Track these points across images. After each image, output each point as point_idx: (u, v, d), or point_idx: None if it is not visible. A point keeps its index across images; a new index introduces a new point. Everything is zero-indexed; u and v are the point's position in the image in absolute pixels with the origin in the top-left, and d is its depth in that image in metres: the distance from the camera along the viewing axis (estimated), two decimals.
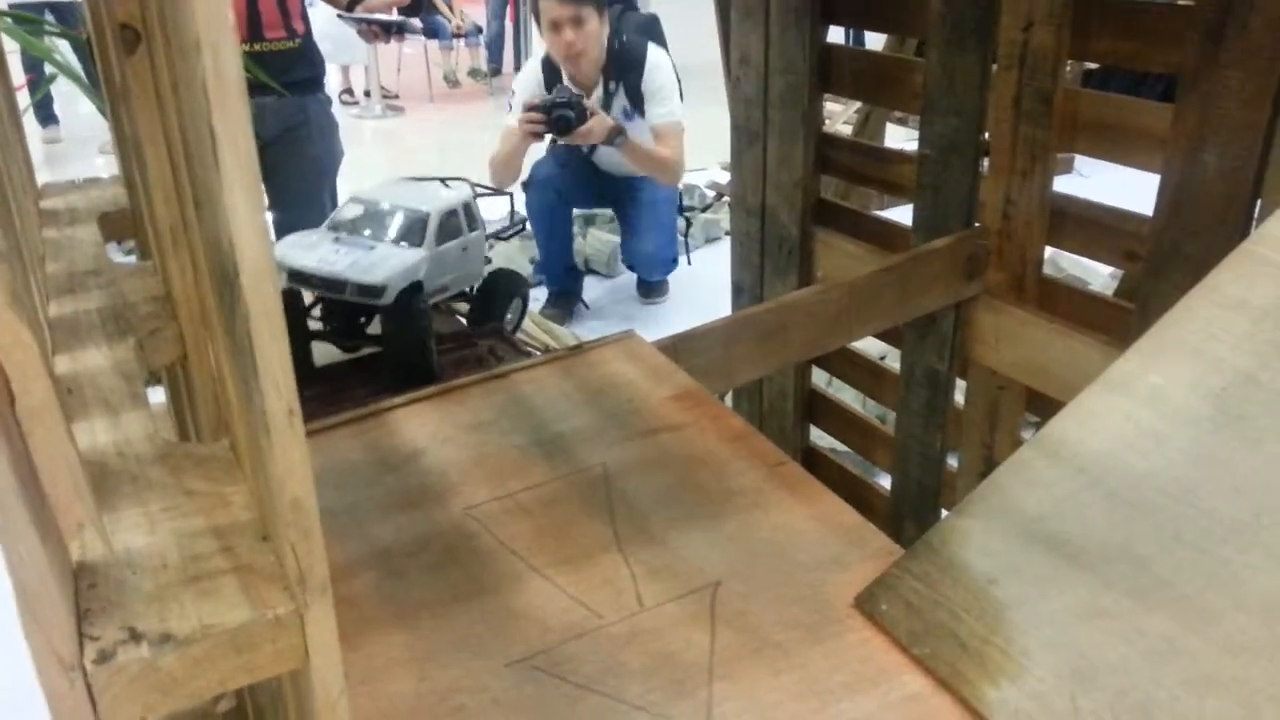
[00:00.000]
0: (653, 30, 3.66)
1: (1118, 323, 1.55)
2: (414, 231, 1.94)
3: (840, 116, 5.02)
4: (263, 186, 0.57)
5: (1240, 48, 1.21)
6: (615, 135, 3.16)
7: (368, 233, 1.94)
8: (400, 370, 1.83)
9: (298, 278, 1.84)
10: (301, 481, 0.61)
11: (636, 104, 3.36)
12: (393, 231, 1.93)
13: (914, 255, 1.59)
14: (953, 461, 1.95)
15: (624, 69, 3.32)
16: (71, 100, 6.66)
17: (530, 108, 3.05)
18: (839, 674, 0.81)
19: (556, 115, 2.99)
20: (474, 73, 8.20)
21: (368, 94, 7.40)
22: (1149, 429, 0.87)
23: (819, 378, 2.36)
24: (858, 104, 4.75)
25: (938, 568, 0.87)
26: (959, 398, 1.89)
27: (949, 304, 1.67)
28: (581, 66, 3.28)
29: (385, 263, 1.82)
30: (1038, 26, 1.56)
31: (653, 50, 3.35)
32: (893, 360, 2.25)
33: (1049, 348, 1.58)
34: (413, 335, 1.82)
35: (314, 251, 1.86)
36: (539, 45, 3.52)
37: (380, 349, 1.93)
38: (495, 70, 8.37)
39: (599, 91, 3.36)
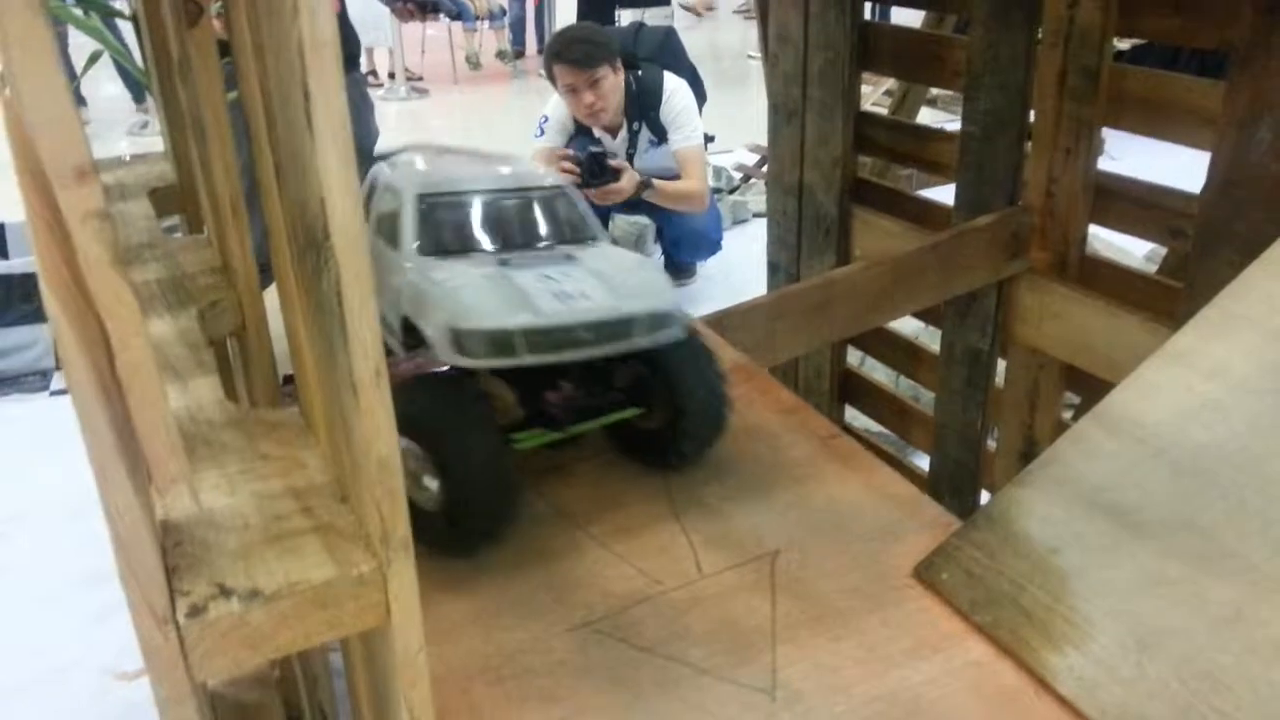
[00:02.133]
0: (669, 45, 3.66)
1: (1162, 301, 1.54)
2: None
3: (868, 99, 4.99)
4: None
5: None
6: (643, 189, 3.20)
7: (543, 244, 1.08)
8: (704, 432, 1.05)
9: (505, 347, 0.91)
10: (388, 441, 0.62)
11: (659, 134, 3.41)
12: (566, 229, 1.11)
13: (958, 233, 1.59)
14: (990, 442, 1.95)
15: (644, 106, 3.37)
16: (97, 83, 6.70)
17: (566, 158, 3.05)
18: (901, 640, 0.82)
19: (588, 173, 2.98)
20: (501, 54, 8.20)
21: (392, 76, 7.41)
22: (1211, 400, 0.87)
23: (853, 357, 2.36)
24: (887, 84, 4.72)
25: (998, 537, 0.87)
26: (998, 378, 1.89)
27: (992, 282, 1.66)
28: (603, 119, 3.32)
29: (645, 280, 1.01)
30: (1084, 2, 1.55)
31: (668, 79, 3.39)
32: (926, 340, 2.25)
33: (1093, 325, 1.58)
34: (712, 377, 1.04)
35: (516, 297, 0.93)
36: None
37: (637, 410, 1.05)
38: (519, 53, 8.36)
39: (623, 133, 3.41)
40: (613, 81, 3.25)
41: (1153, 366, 0.92)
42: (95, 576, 1.92)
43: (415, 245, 1.01)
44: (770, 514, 0.97)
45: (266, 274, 0.97)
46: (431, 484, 0.94)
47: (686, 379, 1.02)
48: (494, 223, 1.06)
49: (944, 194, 1.87)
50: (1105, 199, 1.63)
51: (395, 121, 6.75)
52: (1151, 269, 2.04)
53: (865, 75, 1.97)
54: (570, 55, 3.15)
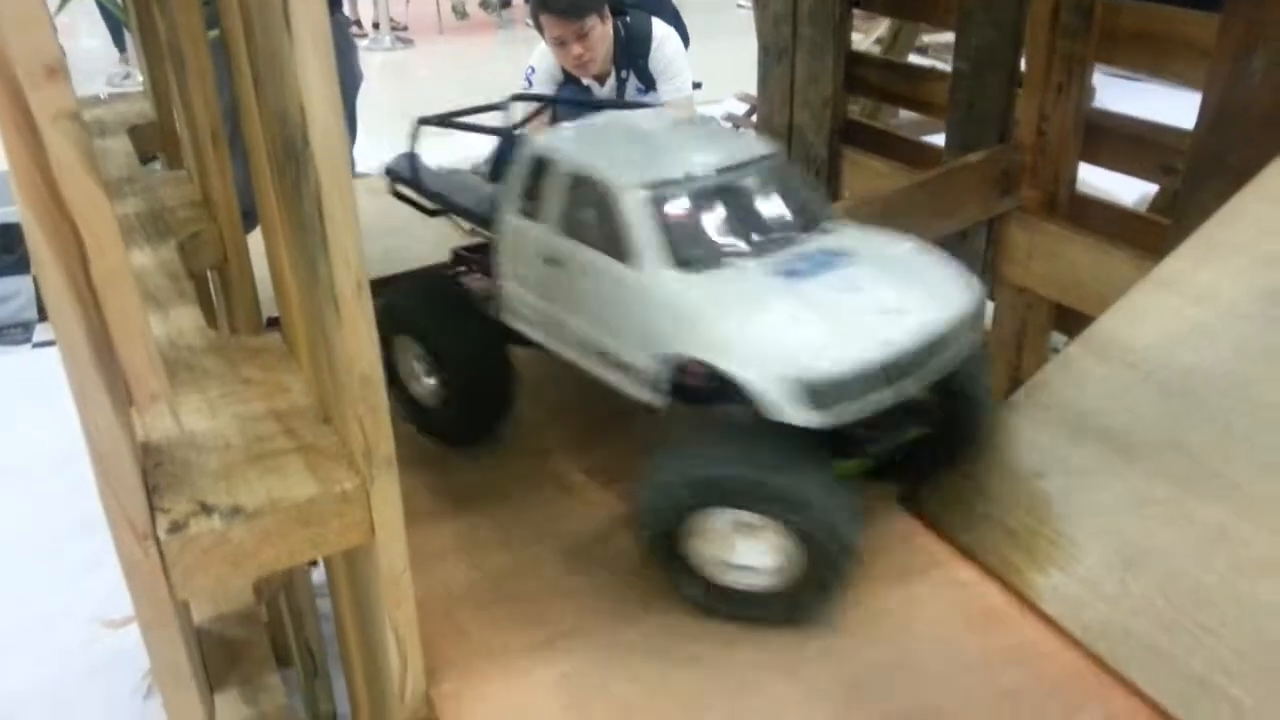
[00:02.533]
0: None
1: (1151, 237, 1.53)
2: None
3: (858, 46, 4.94)
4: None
5: None
6: None
7: (790, 232, 0.85)
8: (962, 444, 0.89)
9: (868, 390, 0.73)
10: (370, 358, 0.61)
11: (648, 83, 3.37)
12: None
13: (948, 170, 1.57)
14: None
15: (633, 54, 3.32)
16: (73, 34, 6.59)
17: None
18: (887, 561, 0.82)
19: None
20: (485, 4, 8.08)
21: (376, 26, 7.30)
22: (1199, 324, 0.86)
23: None
24: (878, 32, 4.67)
25: (983, 463, 0.87)
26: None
27: (982, 220, 1.65)
28: (591, 69, 3.28)
29: (939, 272, 0.84)
30: None
31: (657, 26, 3.34)
32: None
33: (1082, 262, 1.57)
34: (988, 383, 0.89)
35: (841, 321, 0.75)
36: None
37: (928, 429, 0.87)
38: (505, 1, 8.24)
39: (611, 80, 3.36)
40: (601, 31, 3.21)
41: (1141, 292, 0.92)
42: (83, 527, 1.91)
43: (662, 258, 0.78)
44: None
45: (250, 218, 0.95)
46: (430, 380, 0.96)
47: (979, 391, 0.86)
48: (741, 215, 0.83)
49: (935, 138, 1.85)
50: (1097, 137, 1.62)
51: (380, 72, 6.66)
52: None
53: (856, 20, 1.95)
54: (557, 6, 3.11)
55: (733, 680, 0.72)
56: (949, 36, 1.75)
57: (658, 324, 0.77)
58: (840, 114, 1.97)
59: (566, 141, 0.89)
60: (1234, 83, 1.30)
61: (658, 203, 0.80)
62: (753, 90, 2.14)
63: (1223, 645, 0.68)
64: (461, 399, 0.95)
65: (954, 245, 1.76)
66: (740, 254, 0.81)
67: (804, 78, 1.95)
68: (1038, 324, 1.77)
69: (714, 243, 0.81)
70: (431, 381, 0.97)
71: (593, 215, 0.82)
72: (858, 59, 2.00)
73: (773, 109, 2.04)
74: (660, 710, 0.70)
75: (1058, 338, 1.89)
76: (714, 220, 0.82)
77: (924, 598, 0.78)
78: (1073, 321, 1.70)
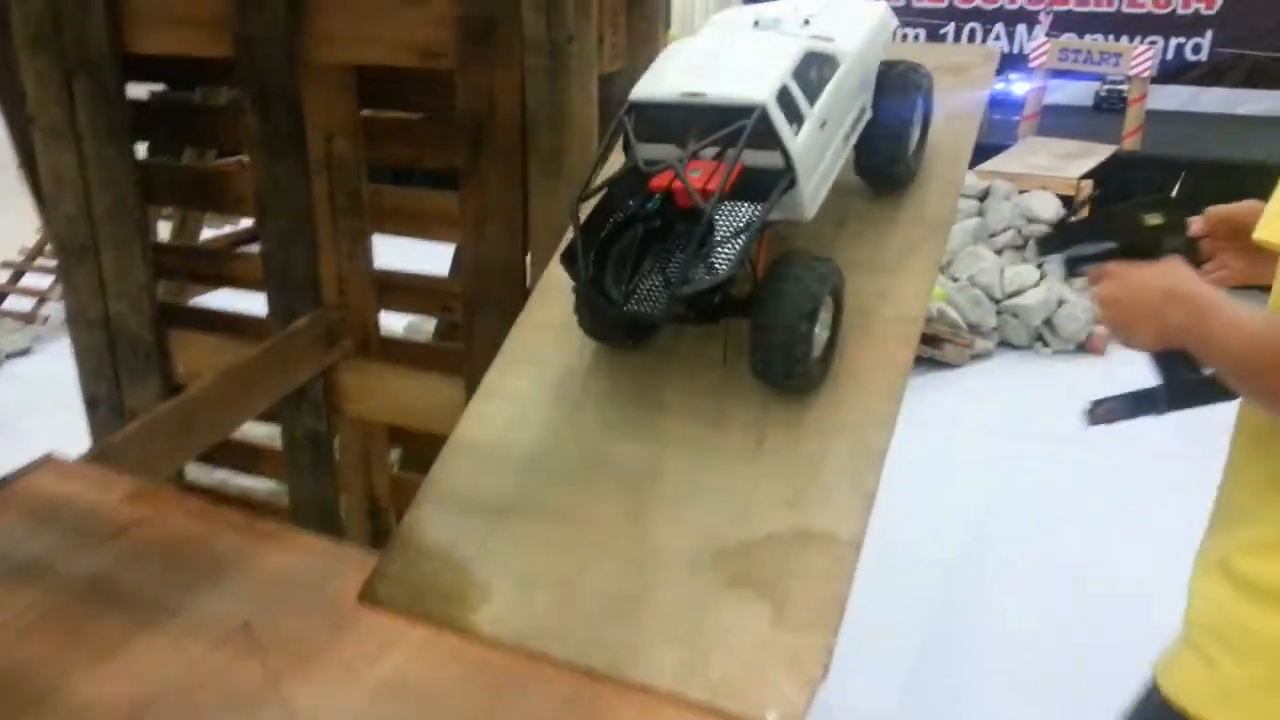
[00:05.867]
0: None
1: (449, 360, 1.99)
2: None
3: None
4: None
5: (493, 153, 1.71)
6: None
7: None
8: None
9: None
10: None
11: None
12: None
13: (286, 336, 1.85)
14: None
15: None
16: None
17: None
18: (365, 646, 1.07)
19: None
20: None
21: None
22: (516, 418, 1.28)
23: (197, 473, 2.45)
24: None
25: (409, 551, 1.18)
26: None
27: (318, 372, 1.96)
28: None
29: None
30: (338, 138, 1.93)
31: None
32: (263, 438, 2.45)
33: (403, 390, 1.97)
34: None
35: None
36: None
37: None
38: None
39: None
40: None
41: (478, 401, 1.31)
42: None
43: None
44: (231, 594, 1.15)
45: None
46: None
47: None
48: None
49: (256, 306, 2.10)
50: (389, 289, 2.04)
51: None
52: (415, 336, 2.51)
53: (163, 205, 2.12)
54: None
55: None
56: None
57: None
58: (158, 298, 2.12)
59: None
60: (479, 244, 1.80)
61: None
62: None
63: (608, 615, 1.07)
64: None
65: (296, 397, 2.04)
66: None
67: (114, 271, 2.07)
68: (378, 447, 2.12)
69: None
70: None
71: None
72: (165, 248, 2.18)
73: (85, 303, 2.11)
74: None
75: (402, 452, 2.27)
76: None
77: (400, 664, 1.05)
78: (407, 437, 2.09)
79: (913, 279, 1.29)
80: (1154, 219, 1.10)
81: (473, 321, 1.85)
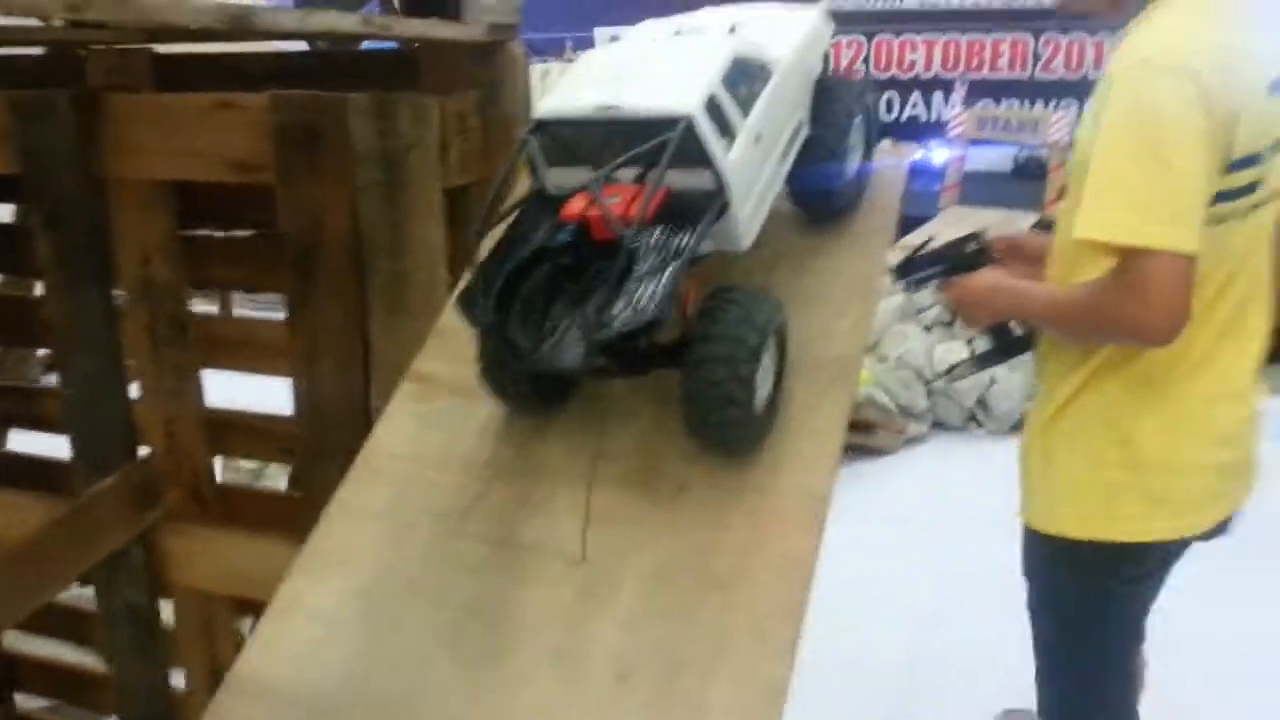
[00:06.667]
0: None
1: (293, 514, 1.69)
2: None
3: None
4: None
5: (325, 279, 1.44)
6: None
7: None
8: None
9: None
10: None
11: None
12: None
13: (81, 504, 1.54)
14: (180, 679, 1.91)
15: None
16: None
17: None
18: None
19: None
20: None
21: None
22: (319, 642, 0.99)
23: (12, 639, 2.11)
24: None
25: None
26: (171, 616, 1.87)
27: (134, 536, 1.65)
28: None
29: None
30: (156, 260, 1.65)
31: None
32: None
33: (237, 556, 1.66)
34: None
35: None
36: None
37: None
38: None
39: None
40: None
41: (269, 621, 1.02)
42: None
43: None
44: None
45: None
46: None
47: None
48: None
49: (59, 447, 1.79)
50: (225, 430, 1.74)
51: None
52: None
53: None
54: None
55: None
56: None
57: None
58: None
59: None
60: (315, 379, 1.52)
61: None
62: None
63: None
64: None
65: (113, 563, 1.72)
66: None
67: None
68: (222, 618, 1.81)
69: None
70: None
71: None
72: None
73: None
74: None
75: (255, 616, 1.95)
76: None
77: None
78: (258, 606, 1.78)
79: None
80: (971, 247, 1.50)
81: (309, 474, 1.56)
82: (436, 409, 1.19)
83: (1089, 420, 1.38)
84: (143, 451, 1.73)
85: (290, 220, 1.42)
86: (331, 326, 1.47)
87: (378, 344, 1.45)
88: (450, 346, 1.22)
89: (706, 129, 0.91)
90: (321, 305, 1.46)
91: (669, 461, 1.04)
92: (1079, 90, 7.78)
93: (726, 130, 0.95)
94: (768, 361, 0.96)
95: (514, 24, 1.45)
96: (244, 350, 1.68)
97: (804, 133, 1.15)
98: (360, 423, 1.48)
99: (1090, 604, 1.49)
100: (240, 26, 1.03)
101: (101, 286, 1.62)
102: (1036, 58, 7.29)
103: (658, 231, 0.91)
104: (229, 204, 1.65)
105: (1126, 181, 1.17)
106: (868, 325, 1.16)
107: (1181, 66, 1.13)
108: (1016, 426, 4.57)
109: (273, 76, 1.59)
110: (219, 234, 1.73)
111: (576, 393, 1.11)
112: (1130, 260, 1.17)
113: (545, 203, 0.97)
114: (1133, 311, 1.19)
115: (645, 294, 0.87)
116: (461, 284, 0.97)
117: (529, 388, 1.06)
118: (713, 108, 0.93)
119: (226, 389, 1.83)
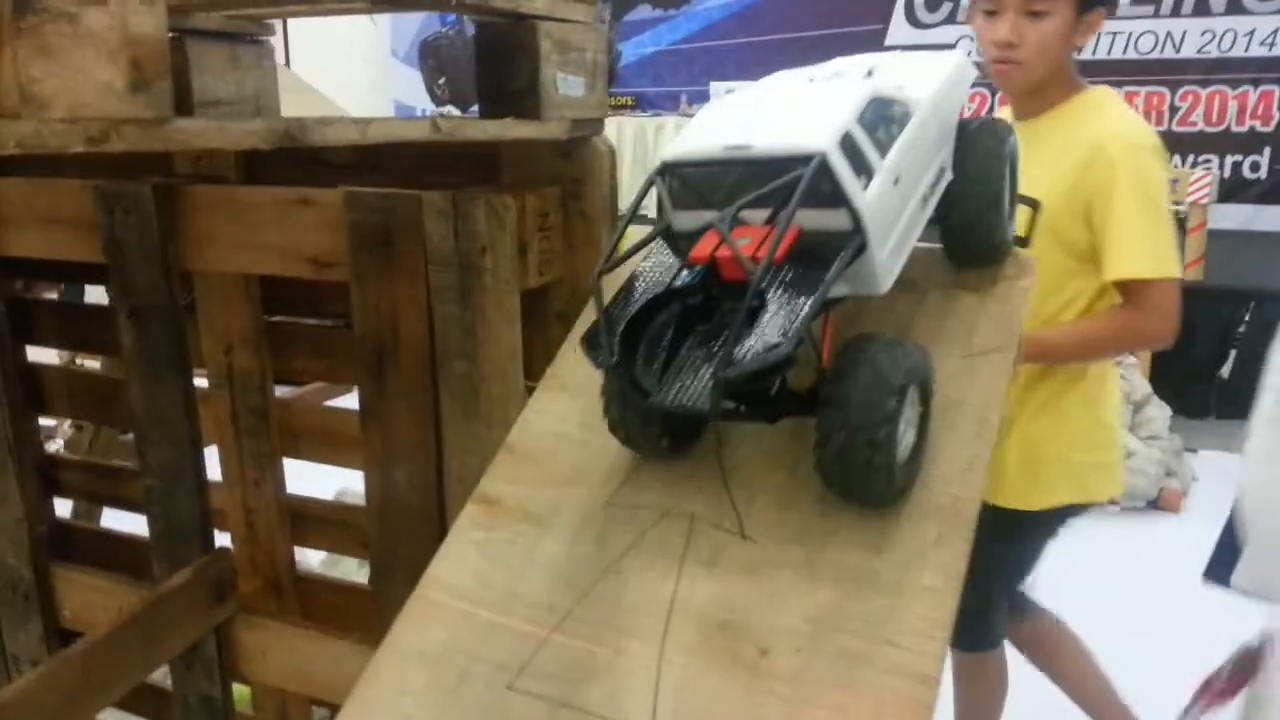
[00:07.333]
0: None
1: (372, 611, 1.63)
2: None
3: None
4: None
5: (398, 382, 1.38)
6: None
7: None
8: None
9: None
10: None
11: None
12: None
13: (154, 600, 1.51)
14: None
15: None
16: None
17: None
18: None
19: None
20: None
21: None
22: (410, 715, 0.90)
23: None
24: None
25: None
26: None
27: (206, 632, 1.61)
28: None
29: None
30: (238, 349, 1.62)
31: None
32: None
33: (311, 655, 1.60)
34: None
35: None
36: None
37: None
38: None
39: None
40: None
41: (366, 686, 0.95)
42: None
43: None
44: None
45: None
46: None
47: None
48: None
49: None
50: (303, 522, 1.70)
51: None
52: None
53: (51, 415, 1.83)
54: None
55: None
56: None
57: None
58: (40, 528, 1.81)
59: None
60: (386, 479, 1.45)
61: None
62: None
63: None
64: None
65: (187, 655, 1.69)
66: None
67: None
68: (299, 709, 1.76)
69: None
70: None
71: None
72: (55, 462, 1.87)
73: None
74: None
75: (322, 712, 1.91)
76: None
77: None
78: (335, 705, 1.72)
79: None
80: None
81: (381, 585, 1.49)
82: (500, 539, 1.10)
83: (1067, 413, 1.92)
84: (223, 538, 1.70)
85: (363, 320, 1.37)
86: (404, 432, 1.40)
87: (451, 454, 1.38)
88: (521, 465, 1.13)
89: (841, 166, 0.86)
90: (394, 408, 1.40)
91: (754, 616, 0.92)
92: (1220, 145, 7.31)
93: (863, 169, 0.89)
94: (909, 413, 0.89)
95: (599, 118, 1.37)
96: (326, 441, 1.63)
97: (948, 177, 1.08)
98: (432, 536, 1.41)
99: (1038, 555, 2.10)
100: (292, 144, 0.97)
101: (182, 378, 1.59)
102: (1174, 110, 6.88)
103: (790, 271, 0.86)
104: (312, 293, 1.61)
105: (1144, 235, 1.70)
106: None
107: (1157, 146, 1.75)
108: (1153, 504, 4.25)
109: (355, 166, 1.55)
110: (304, 321, 1.69)
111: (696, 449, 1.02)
112: (1153, 288, 1.70)
113: (671, 243, 0.94)
114: (1157, 325, 1.72)
115: (776, 332, 0.81)
116: (581, 325, 0.96)
117: (652, 431, 0.99)
118: (848, 146, 0.88)
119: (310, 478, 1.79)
